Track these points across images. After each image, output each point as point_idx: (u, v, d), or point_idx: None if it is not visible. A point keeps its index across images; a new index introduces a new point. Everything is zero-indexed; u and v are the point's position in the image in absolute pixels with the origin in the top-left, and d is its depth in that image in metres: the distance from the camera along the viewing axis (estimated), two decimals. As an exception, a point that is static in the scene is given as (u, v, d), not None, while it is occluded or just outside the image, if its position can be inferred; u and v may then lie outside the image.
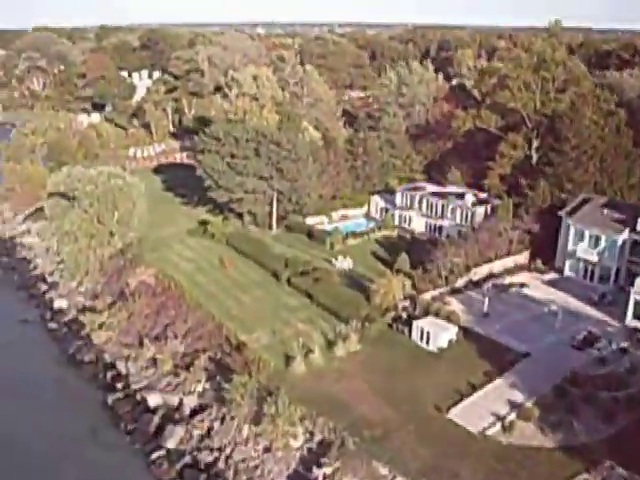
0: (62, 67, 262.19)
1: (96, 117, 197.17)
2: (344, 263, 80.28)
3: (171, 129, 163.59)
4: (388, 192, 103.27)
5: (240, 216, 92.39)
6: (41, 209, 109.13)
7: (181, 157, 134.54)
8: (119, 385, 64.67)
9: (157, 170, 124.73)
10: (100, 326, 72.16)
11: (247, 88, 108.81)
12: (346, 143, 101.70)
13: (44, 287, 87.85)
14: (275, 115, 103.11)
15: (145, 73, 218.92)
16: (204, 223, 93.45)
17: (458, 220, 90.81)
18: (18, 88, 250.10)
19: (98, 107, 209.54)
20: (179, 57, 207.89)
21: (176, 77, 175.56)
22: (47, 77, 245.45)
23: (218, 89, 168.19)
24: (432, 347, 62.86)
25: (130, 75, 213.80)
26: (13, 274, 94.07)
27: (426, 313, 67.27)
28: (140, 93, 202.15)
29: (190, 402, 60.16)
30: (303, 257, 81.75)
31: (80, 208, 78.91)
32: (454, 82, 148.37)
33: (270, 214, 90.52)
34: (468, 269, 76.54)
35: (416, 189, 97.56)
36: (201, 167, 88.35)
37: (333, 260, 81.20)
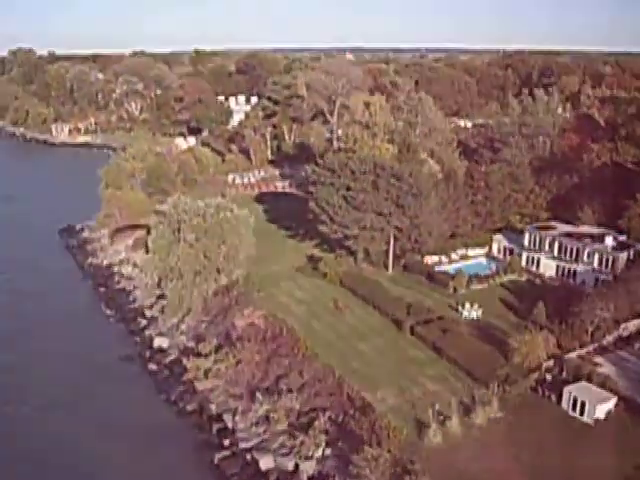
0: (159, 91, 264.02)
1: (192, 141, 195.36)
2: (472, 312, 71.90)
3: (269, 155, 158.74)
4: (511, 230, 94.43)
5: (352, 253, 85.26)
6: (140, 237, 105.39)
7: (282, 185, 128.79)
8: (226, 441, 57.93)
9: (258, 199, 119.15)
10: (205, 373, 65.83)
11: (359, 115, 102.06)
12: (466, 176, 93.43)
13: (143, 322, 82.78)
14: (387, 144, 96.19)
15: (242, 98, 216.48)
16: (313, 259, 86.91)
17: (596, 265, 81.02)
18: (116, 111, 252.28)
19: (194, 131, 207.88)
20: (277, 82, 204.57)
21: (276, 102, 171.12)
22: (144, 101, 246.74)
23: (315, 115, 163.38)
24: (587, 419, 53.88)
25: (227, 99, 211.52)
26: (111, 304, 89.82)
27: (575, 377, 58.32)
28: (237, 118, 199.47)
29: (308, 469, 52.87)
30: (425, 302, 73.93)
31: (186, 242, 73.27)
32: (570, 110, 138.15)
33: (386, 252, 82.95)
34: (617, 324, 67.15)
35: (546, 228, 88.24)
36: (313, 200, 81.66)
37: (459, 307, 72.93)
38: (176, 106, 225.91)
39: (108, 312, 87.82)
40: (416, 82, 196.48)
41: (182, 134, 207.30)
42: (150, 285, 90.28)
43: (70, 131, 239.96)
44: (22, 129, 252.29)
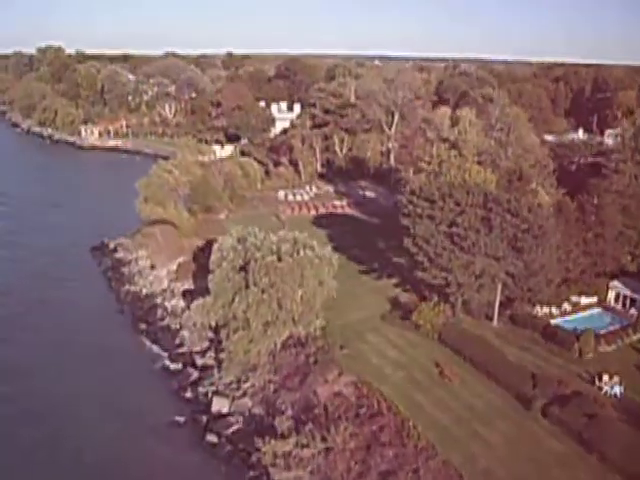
0: (193, 94, 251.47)
1: (230, 149, 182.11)
2: (615, 386, 57.34)
3: (319, 169, 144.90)
4: (626, 274, 79.77)
5: (445, 298, 70.75)
6: (185, 263, 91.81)
7: (340, 205, 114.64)
8: None
9: (317, 222, 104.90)
10: (284, 458, 51.65)
11: (446, 132, 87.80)
12: (577, 210, 78.70)
13: (194, 373, 68.87)
14: (476, 167, 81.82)
15: (284, 105, 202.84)
16: (398, 304, 72.72)
17: None
18: (148, 114, 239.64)
19: (232, 139, 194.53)
20: (322, 89, 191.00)
21: (326, 111, 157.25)
22: (178, 104, 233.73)
23: (370, 127, 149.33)
24: None
25: (268, 106, 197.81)
26: (155, 346, 76.28)
27: None
28: (279, 126, 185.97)
29: None
30: (550, 370, 59.51)
31: (257, 286, 59.23)
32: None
33: (491, 301, 68.47)
34: None
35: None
36: (410, 237, 67.35)
37: (596, 381, 58.34)
38: (213, 111, 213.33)
39: (151, 355, 74.26)
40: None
41: (219, 141, 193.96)
42: (200, 325, 76.56)
43: (100, 134, 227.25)
44: (50, 130, 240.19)
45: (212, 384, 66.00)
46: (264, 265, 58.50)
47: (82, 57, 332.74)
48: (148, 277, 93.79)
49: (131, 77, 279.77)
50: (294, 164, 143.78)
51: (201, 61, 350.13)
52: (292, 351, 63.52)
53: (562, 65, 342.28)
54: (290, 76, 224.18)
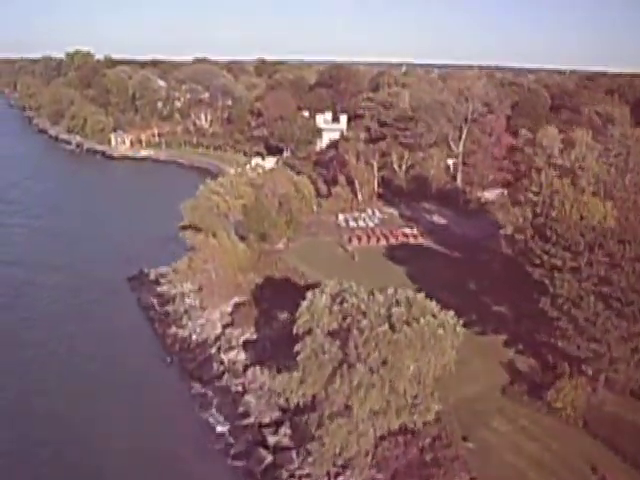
0: (228, 102, 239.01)
1: (272, 162, 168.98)
2: None
3: (376, 189, 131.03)
4: None
5: (576, 364, 56.48)
6: (242, 303, 78.35)
7: (411, 234, 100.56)
8: None
9: (391, 255, 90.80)
10: None
11: (557, 157, 73.66)
12: None
13: (267, 458, 55.24)
14: (595, 199, 67.53)
15: (329, 115, 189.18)
16: (516, 373, 58.64)
17: None
18: (181, 123, 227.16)
19: (273, 150, 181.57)
20: (371, 98, 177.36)
21: (382, 124, 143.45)
22: (214, 113, 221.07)
23: (434, 142, 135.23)
24: None
25: (312, 116, 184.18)
26: (211, 411, 62.89)
27: None
28: (326, 138, 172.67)
29: None
30: None
31: (364, 363, 45.38)
32: None
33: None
34: None
35: None
36: (548, 296, 53.15)
37: None
38: (252, 121, 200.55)
39: (206, 427, 60.87)
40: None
41: (260, 154, 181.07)
42: (269, 388, 63.08)
43: (131, 143, 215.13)
44: (78, 137, 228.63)
45: (292, 475, 52.26)
46: (374, 336, 44.61)
47: (111, 62, 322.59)
48: (198, 319, 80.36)
49: (161, 83, 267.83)
50: (349, 183, 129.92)
51: (232, 67, 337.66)
52: (399, 440, 49.61)
53: (603, 75, 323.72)
54: (334, 84, 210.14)
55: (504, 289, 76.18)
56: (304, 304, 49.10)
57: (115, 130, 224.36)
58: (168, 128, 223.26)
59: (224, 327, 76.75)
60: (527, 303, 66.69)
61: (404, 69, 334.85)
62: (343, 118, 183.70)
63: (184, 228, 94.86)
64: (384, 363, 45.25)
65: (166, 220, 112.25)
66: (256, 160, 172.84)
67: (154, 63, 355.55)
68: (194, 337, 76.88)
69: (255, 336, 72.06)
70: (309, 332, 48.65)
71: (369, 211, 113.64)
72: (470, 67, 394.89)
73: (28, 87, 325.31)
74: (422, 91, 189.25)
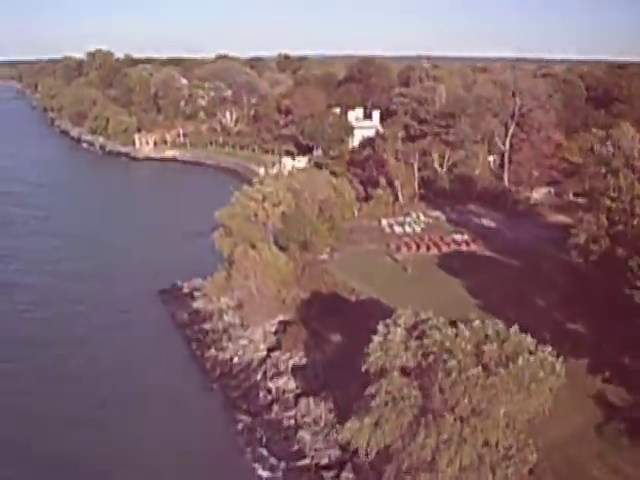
0: (253, 100, 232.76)
1: (303, 162, 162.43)
2: None
3: (417, 190, 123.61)
4: None
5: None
6: (289, 322, 71.61)
7: (463, 240, 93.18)
8: None
9: (443, 265, 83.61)
10: None
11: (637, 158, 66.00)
12: None
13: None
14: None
15: (360, 112, 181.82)
16: (608, 406, 51.25)
17: None
18: (207, 122, 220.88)
19: (303, 149, 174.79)
20: (404, 94, 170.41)
21: (421, 121, 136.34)
22: (240, 111, 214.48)
23: (481, 139, 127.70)
24: None
25: (344, 113, 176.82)
26: (260, 449, 56.19)
27: None
28: (359, 136, 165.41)
29: None
30: None
31: (453, 412, 38.38)
32: None
33: None
34: None
35: None
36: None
37: None
38: (280, 119, 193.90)
39: (256, 469, 54.15)
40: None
41: (290, 153, 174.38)
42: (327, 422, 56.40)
43: (155, 143, 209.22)
44: (101, 139, 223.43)
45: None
46: (464, 380, 37.60)
47: (132, 61, 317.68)
48: (239, 340, 73.75)
49: (184, 81, 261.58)
50: (388, 184, 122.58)
51: (254, 64, 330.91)
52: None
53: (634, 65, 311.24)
54: (363, 79, 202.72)
55: (577, 305, 69.01)
56: (376, 339, 42.03)
57: (139, 130, 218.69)
58: (192, 127, 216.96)
59: (269, 349, 70.02)
60: (609, 323, 59.67)
61: (426, 63, 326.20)
62: (376, 115, 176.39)
63: (219, 238, 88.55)
64: (474, 411, 38.20)
65: (196, 228, 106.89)
66: (286, 160, 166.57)
67: (175, 61, 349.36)
68: (236, 360, 70.29)
69: (304, 361, 65.28)
70: (382, 371, 41.70)
71: (413, 215, 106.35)
72: (472, 59, 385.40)
73: (49, 88, 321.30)
74: (456, 85, 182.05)
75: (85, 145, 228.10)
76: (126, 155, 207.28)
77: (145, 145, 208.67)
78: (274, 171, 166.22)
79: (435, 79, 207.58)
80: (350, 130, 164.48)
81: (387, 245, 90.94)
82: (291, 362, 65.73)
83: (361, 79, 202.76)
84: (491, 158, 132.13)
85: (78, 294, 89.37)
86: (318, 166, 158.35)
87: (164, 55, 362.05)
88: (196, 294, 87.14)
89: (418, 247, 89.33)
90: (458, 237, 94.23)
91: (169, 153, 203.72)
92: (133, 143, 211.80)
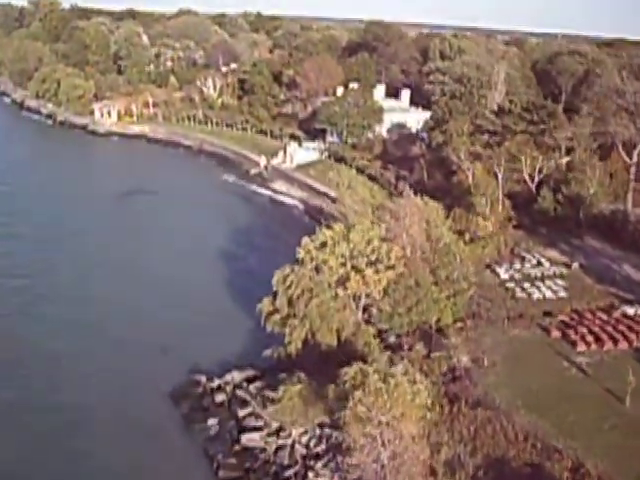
0: (233, 65, 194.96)
1: (313, 151, 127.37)
2: None
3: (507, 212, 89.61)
4: None
5: None
6: None
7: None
8: None
9: None
10: None
11: None
12: None
13: None
14: None
15: (382, 88, 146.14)
16: None
17: None
18: (183, 90, 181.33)
19: (310, 132, 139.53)
20: (442, 70, 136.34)
21: (496, 112, 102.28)
22: (223, 78, 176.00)
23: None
24: None
25: (367, 89, 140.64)
26: None
27: None
28: (389, 120, 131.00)
29: None
30: None
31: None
32: None
33: None
34: None
35: None
36: None
37: None
38: (280, 92, 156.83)
39: None
40: None
41: (295, 137, 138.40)
42: None
43: (119, 115, 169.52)
44: (51, 106, 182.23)
45: None
46: None
47: (82, 12, 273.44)
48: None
49: (144, 39, 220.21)
50: (462, 198, 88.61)
51: (221, 22, 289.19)
52: None
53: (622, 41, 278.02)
54: (379, 48, 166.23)
55: None
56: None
57: (96, 97, 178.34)
58: (164, 96, 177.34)
59: None
60: None
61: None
62: (405, 94, 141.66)
63: (270, 314, 53.78)
64: None
65: (199, 259, 73.33)
66: (293, 147, 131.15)
67: (131, 14, 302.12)
68: None
69: None
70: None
71: (531, 259, 72.99)
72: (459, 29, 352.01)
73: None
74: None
75: (30, 113, 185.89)
76: (83, 128, 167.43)
77: (107, 116, 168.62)
78: (278, 161, 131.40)
79: (459, 51, 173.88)
80: (380, 113, 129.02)
81: (544, 329, 57.02)
82: None
83: (375, 47, 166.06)
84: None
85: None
86: (337, 158, 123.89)
87: (115, 6, 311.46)
88: (241, 411, 51.96)
89: (597, 338, 55.60)
90: (628, 310, 61.19)
91: (137, 128, 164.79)
92: (91, 113, 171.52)
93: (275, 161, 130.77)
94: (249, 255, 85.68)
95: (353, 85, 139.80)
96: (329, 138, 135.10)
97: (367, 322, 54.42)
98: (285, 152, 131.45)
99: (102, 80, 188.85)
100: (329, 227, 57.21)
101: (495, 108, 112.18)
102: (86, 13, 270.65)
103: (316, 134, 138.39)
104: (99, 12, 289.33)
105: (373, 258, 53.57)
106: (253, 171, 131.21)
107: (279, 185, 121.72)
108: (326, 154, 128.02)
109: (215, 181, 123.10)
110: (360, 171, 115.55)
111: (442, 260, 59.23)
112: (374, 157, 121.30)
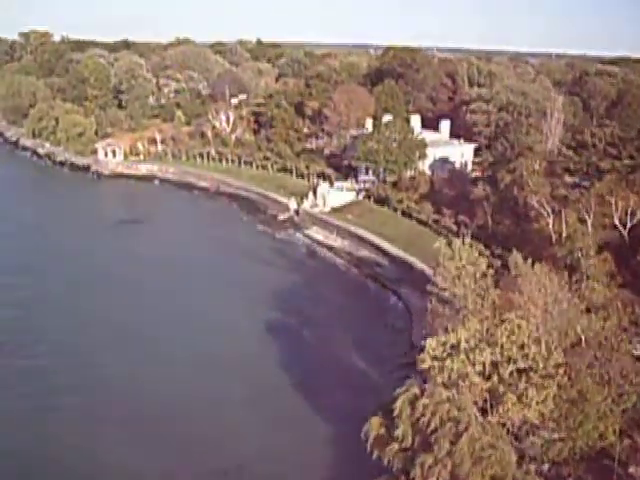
0: (242, 96, 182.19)
1: (349, 193, 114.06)
2: None
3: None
4: None
5: None
6: None
7: None
8: None
9: None
10: None
11: None
12: None
13: None
14: None
15: (418, 120, 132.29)
16: None
17: None
18: (193, 125, 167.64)
19: (338, 170, 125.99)
20: (484, 98, 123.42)
21: (578, 146, 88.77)
22: (236, 112, 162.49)
23: None
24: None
25: (402, 120, 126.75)
26: None
27: None
28: (432, 155, 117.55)
29: None
30: None
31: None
32: None
33: None
34: None
35: None
36: None
37: None
38: (304, 126, 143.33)
39: None
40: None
41: (325, 176, 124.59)
42: None
43: (125, 154, 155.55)
44: (49, 145, 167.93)
45: None
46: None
47: (74, 44, 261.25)
48: None
49: (145, 71, 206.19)
50: (535, 247, 74.15)
51: (221, 50, 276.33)
52: None
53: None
54: (406, 74, 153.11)
55: None
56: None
57: (96, 134, 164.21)
58: (173, 132, 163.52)
59: None
60: None
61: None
62: (445, 126, 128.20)
63: (380, 439, 39.16)
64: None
65: (247, 343, 59.56)
66: (324, 187, 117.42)
67: (126, 45, 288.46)
68: None
69: None
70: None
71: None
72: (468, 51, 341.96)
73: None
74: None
75: (26, 152, 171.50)
76: (85, 169, 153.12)
77: (111, 156, 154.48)
78: (309, 203, 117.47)
79: (490, 75, 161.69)
80: (423, 147, 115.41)
81: None
82: None
83: (402, 74, 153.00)
84: None
85: None
86: (378, 199, 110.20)
87: (107, 38, 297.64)
88: None
89: None
90: None
91: (144, 168, 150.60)
92: (93, 152, 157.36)
93: (306, 204, 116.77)
94: (303, 330, 71.40)
95: (387, 116, 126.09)
96: (362, 176, 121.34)
97: (521, 458, 39.80)
98: (315, 193, 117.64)
99: (103, 116, 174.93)
100: (462, 323, 42.76)
101: (556, 141, 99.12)
102: (79, 45, 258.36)
103: (347, 172, 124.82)
104: (92, 44, 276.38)
105: (524, 365, 39.19)
106: (281, 216, 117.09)
107: (315, 232, 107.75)
108: (362, 194, 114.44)
109: (242, 230, 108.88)
110: (407, 215, 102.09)
111: (596, 354, 44.97)
112: (420, 198, 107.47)
